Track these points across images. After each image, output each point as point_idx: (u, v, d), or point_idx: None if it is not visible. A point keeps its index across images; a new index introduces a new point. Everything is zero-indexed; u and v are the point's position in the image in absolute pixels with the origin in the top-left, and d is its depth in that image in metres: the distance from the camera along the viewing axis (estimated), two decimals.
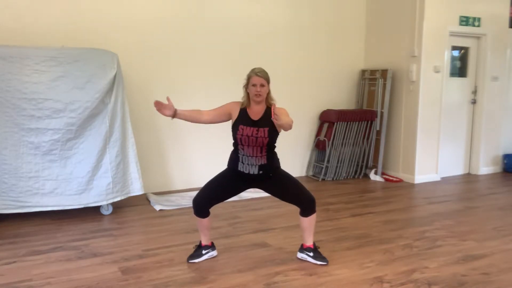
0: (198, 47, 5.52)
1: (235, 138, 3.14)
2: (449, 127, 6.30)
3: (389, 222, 4.34)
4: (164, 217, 4.46)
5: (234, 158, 3.20)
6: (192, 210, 3.34)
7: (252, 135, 3.07)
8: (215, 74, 5.62)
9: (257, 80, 3.07)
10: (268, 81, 3.11)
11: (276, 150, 3.26)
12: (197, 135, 5.60)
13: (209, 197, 3.26)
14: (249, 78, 3.12)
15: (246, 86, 3.15)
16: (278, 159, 3.28)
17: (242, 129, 3.08)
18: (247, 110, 3.14)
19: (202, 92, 5.57)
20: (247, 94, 3.15)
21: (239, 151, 3.14)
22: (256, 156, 3.11)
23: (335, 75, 6.52)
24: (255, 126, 3.09)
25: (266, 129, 3.10)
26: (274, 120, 2.84)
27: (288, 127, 2.95)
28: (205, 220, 3.30)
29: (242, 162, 3.14)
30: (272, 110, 2.88)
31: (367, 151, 6.39)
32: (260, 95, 3.08)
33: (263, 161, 3.13)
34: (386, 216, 4.52)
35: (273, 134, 3.14)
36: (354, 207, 4.87)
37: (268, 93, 3.16)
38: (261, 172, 3.15)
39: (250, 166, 3.13)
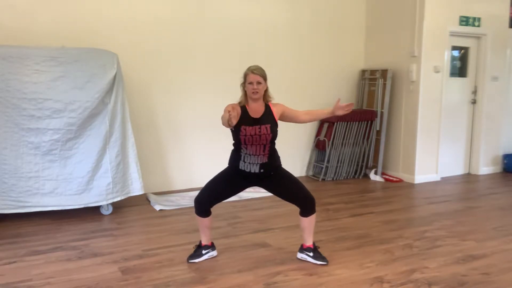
0: (198, 47, 5.52)
1: (238, 139, 3.12)
2: (449, 127, 6.30)
3: (389, 222, 4.34)
4: (164, 217, 4.46)
5: (235, 157, 3.20)
6: (192, 210, 3.34)
7: (255, 134, 3.07)
8: (214, 74, 5.62)
9: (254, 77, 3.07)
10: (264, 78, 3.12)
11: (276, 149, 3.26)
12: (197, 135, 5.60)
13: (211, 196, 3.27)
14: (245, 76, 3.12)
15: (243, 84, 3.15)
16: (279, 158, 3.29)
17: (245, 129, 3.08)
18: (246, 108, 3.15)
19: (202, 92, 5.57)
20: (245, 92, 3.16)
21: (242, 150, 3.14)
22: (259, 155, 3.11)
23: (335, 75, 6.52)
24: (257, 124, 3.09)
25: (268, 125, 3.11)
26: (346, 111, 3.21)
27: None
28: (206, 219, 3.30)
29: (244, 161, 3.15)
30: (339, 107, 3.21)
31: (367, 151, 6.39)
32: (257, 92, 3.09)
33: (265, 159, 3.14)
34: (386, 216, 4.52)
35: (275, 129, 3.16)
36: (354, 207, 4.87)
37: (266, 90, 3.17)
38: (262, 170, 3.15)
39: (251, 165, 3.13)
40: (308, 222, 3.29)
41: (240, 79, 3.18)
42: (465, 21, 6.07)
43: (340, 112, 3.22)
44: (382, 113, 6.23)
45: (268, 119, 3.14)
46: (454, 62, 6.41)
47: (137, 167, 4.62)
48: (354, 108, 6.58)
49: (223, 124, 3.01)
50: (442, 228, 4.16)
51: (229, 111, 2.88)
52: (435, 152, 6.09)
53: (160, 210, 4.69)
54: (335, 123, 6.11)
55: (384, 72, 6.20)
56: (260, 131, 3.08)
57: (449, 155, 6.37)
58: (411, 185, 5.88)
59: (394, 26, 6.18)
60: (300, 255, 3.39)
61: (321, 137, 6.28)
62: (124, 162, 4.52)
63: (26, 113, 4.09)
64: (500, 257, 3.48)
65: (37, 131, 4.14)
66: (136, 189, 4.62)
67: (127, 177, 4.56)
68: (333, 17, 6.40)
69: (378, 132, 6.30)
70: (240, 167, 3.17)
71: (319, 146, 6.31)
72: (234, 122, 2.94)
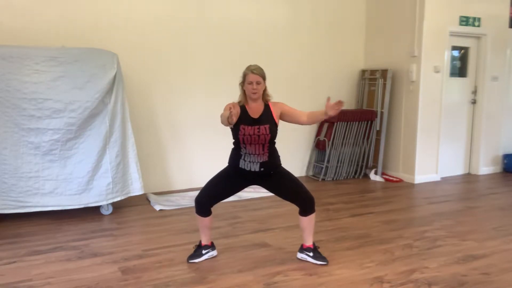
0: (198, 47, 5.52)
1: (237, 138, 3.14)
2: (449, 127, 6.30)
3: (389, 222, 4.34)
4: (164, 217, 4.46)
5: (235, 156, 3.20)
6: (192, 210, 3.34)
7: (254, 134, 3.08)
8: (214, 74, 5.62)
9: (253, 77, 3.08)
10: (264, 77, 3.12)
11: (276, 149, 3.26)
12: (197, 135, 5.60)
13: (211, 195, 3.27)
14: (245, 76, 3.13)
15: (242, 84, 3.16)
16: (279, 157, 3.28)
17: (244, 129, 3.08)
18: (246, 108, 3.15)
19: (202, 92, 5.58)
20: (244, 92, 3.17)
21: (241, 149, 3.15)
22: (258, 154, 3.12)
23: (335, 75, 6.52)
24: (256, 124, 3.10)
25: (267, 126, 3.11)
26: (337, 110, 2.92)
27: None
28: (207, 219, 3.30)
29: (244, 160, 3.15)
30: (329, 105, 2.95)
31: (367, 151, 6.39)
32: (256, 92, 3.09)
33: (265, 158, 3.14)
34: (386, 216, 4.52)
35: (274, 129, 3.16)
36: (354, 207, 4.87)
37: (265, 90, 3.18)
38: (262, 169, 3.15)
39: (251, 164, 3.14)
40: (308, 222, 3.29)
41: (239, 79, 3.19)
42: (465, 21, 6.07)
43: (331, 112, 2.94)
44: (382, 113, 6.23)
45: (267, 119, 3.14)
46: (454, 62, 6.41)
47: (137, 167, 4.62)
48: (354, 108, 6.59)
49: (222, 122, 3.01)
50: (442, 228, 4.16)
51: (230, 108, 2.87)
52: (435, 152, 6.09)
53: (160, 210, 4.69)
54: (335, 123, 6.11)
55: (384, 72, 6.20)
56: (259, 131, 3.08)
57: (449, 155, 6.37)
58: (411, 185, 5.88)
59: (394, 26, 6.18)
60: (300, 255, 3.39)
61: (321, 137, 6.28)
62: (124, 162, 4.52)
63: (26, 113, 4.09)
64: (500, 257, 3.48)
65: (37, 131, 4.14)
66: (136, 189, 4.62)
67: (127, 177, 4.56)
68: (333, 17, 6.40)
69: (378, 132, 6.30)
70: (240, 166, 3.17)
71: (319, 146, 6.31)
72: (235, 119, 2.94)
